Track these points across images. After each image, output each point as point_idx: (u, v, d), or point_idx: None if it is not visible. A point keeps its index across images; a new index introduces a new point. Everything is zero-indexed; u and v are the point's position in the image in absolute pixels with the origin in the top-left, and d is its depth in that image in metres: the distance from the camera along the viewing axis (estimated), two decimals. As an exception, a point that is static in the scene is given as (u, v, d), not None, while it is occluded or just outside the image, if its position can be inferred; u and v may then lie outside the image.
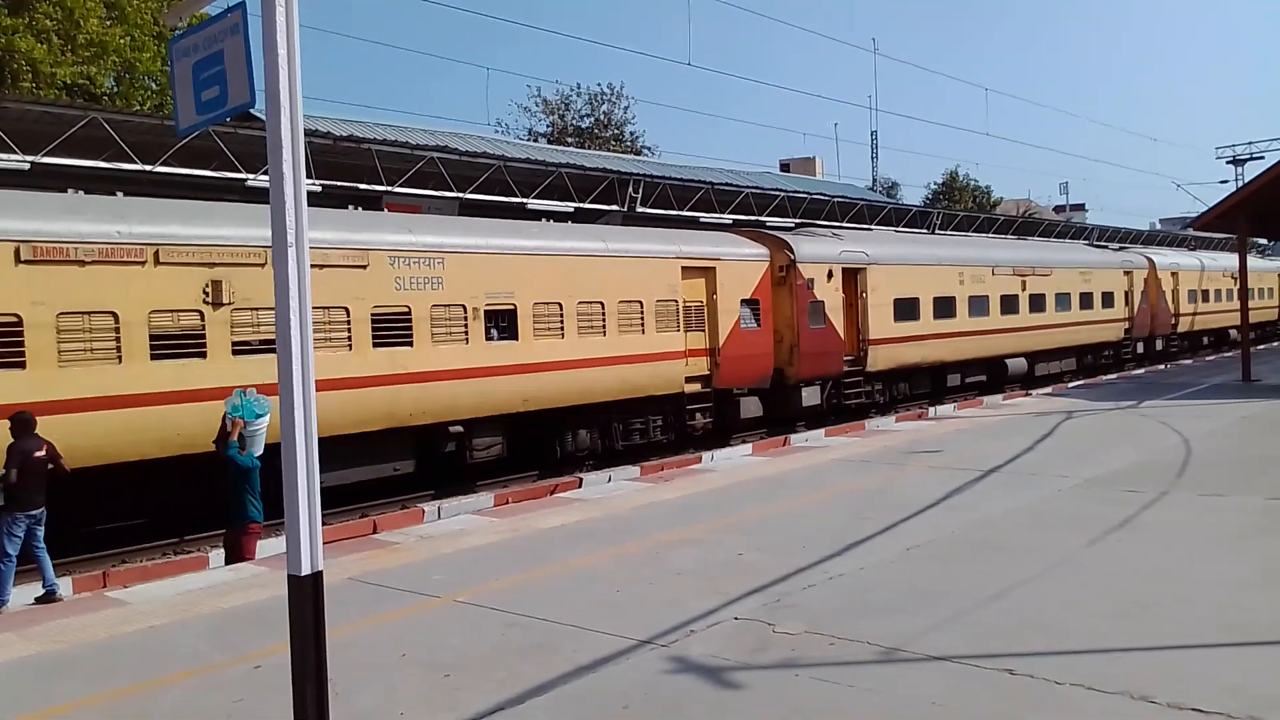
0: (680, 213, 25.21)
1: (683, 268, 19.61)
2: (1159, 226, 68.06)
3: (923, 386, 26.40)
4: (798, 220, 28.77)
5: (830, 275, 22.72)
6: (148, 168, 15.50)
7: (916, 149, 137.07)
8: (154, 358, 12.40)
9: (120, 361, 12.11)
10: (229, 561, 10.48)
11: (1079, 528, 9.61)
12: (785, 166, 52.54)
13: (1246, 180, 29.58)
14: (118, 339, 12.13)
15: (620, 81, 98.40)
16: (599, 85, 63.36)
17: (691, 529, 10.52)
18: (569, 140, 50.44)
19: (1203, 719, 5.18)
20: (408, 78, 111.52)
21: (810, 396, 22.22)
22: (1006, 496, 11.43)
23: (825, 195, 31.75)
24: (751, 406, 20.95)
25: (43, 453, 9.93)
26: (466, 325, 15.71)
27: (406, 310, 14.91)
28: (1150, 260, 37.73)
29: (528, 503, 13.04)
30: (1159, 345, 38.70)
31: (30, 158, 14.31)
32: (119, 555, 12.39)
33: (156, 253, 12.47)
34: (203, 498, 12.24)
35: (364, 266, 14.41)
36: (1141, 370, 32.44)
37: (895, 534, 9.78)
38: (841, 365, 23.17)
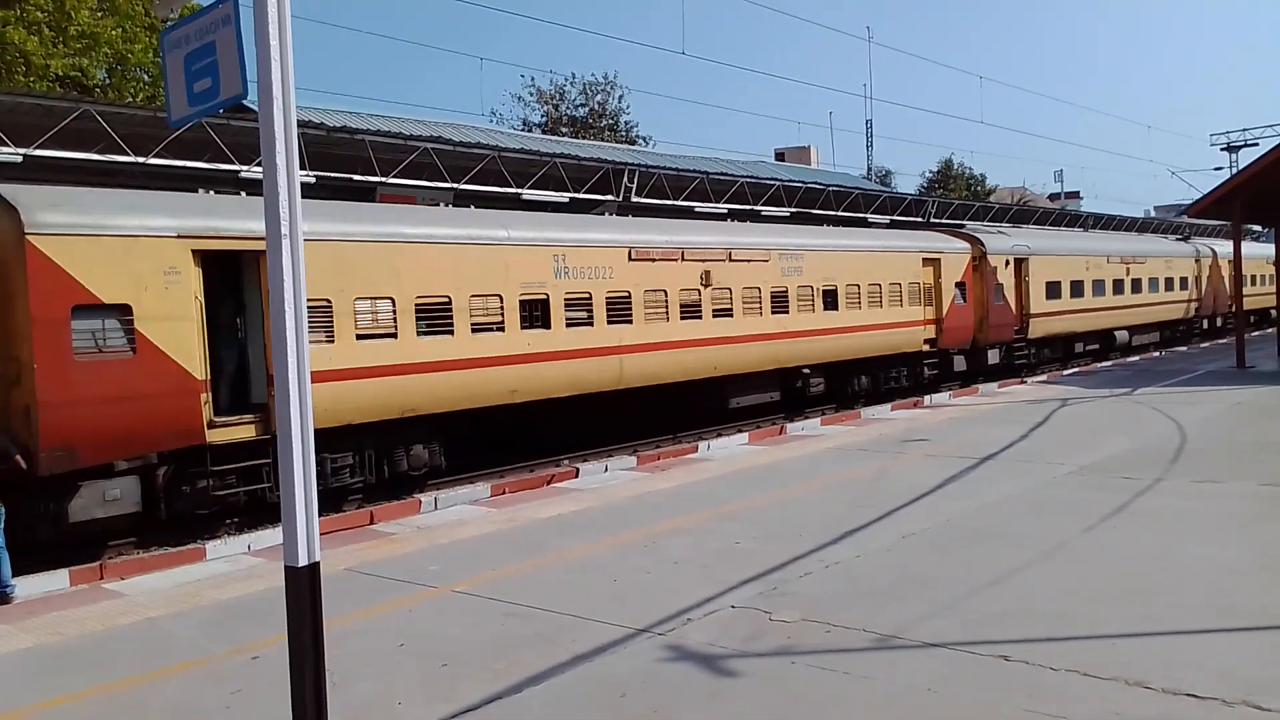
0: (675, 203, 25.16)
1: (922, 259, 26.04)
2: (1154, 214, 68.10)
3: (1058, 352, 32.18)
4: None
5: (1006, 263, 29.00)
6: (140, 160, 15.44)
7: (911, 137, 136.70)
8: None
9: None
10: None
11: (1074, 515, 9.65)
12: (780, 156, 52.43)
13: (1241, 167, 29.67)
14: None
15: (614, 71, 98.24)
16: (593, 75, 63.27)
17: (688, 518, 10.55)
18: (564, 130, 50.33)
19: (1197, 704, 5.21)
20: (401, 68, 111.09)
21: (993, 356, 28.50)
22: (1002, 484, 11.46)
23: (820, 184, 31.70)
24: (960, 362, 27.54)
25: None
26: (813, 300, 22.40)
27: (785, 290, 21.67)
28: (1213, 250, 43.94)
29: (525, 493, 13.06)
30: (1219, 322, 44.84)
31: (22, 150, 14.24)
32: (115, 548, 12.39)
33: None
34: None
35: (766, 261, 21.29)
36: (1136, 357, 32.93)
37: (891, 522, 9.81)
38: (1012, 334, 29.40)
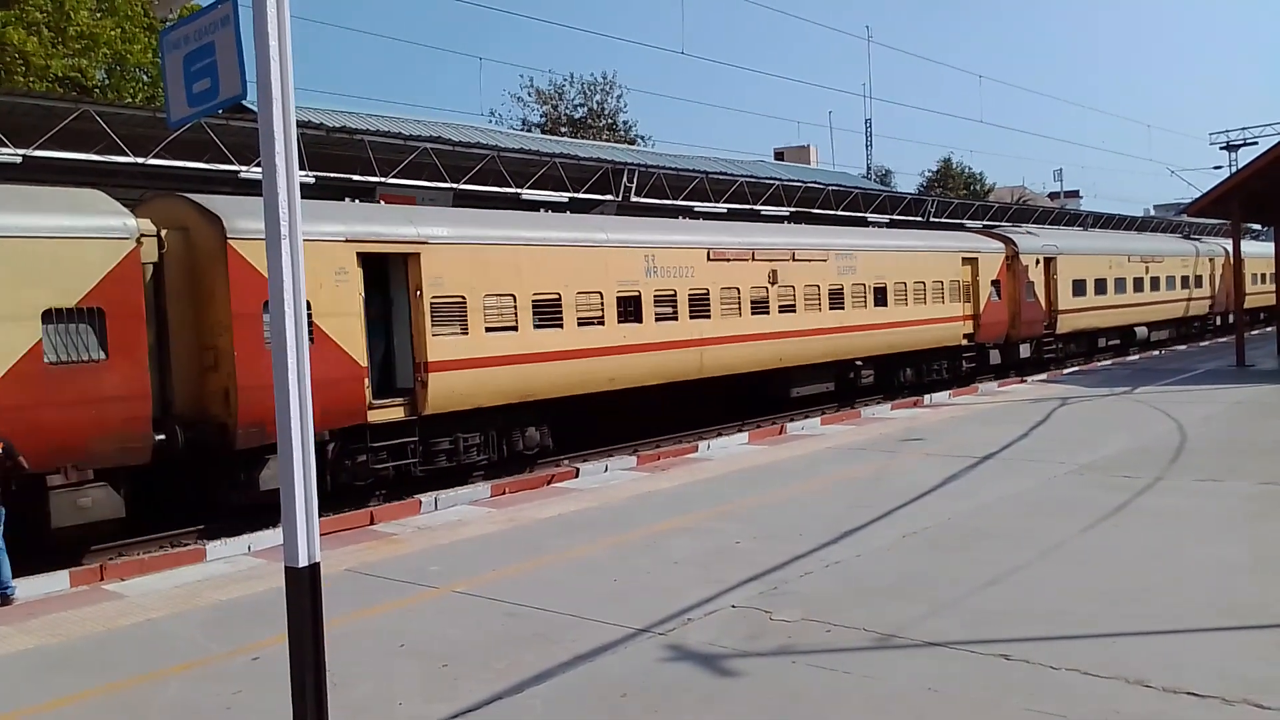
0: (675, 202, 25.16)
1: (962, 258, 27.68)
2: (1153, 212, 68.05)
3: (1082, 347, 33.68)
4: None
5: (1037, 262, 30.42)
6: (140, 160, 15.43)
7: (911, 137, 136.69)
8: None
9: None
10: None
11: (1074, 514, 9.65)
12: (780, 155, 52.37)
13: (1240, 166, 29.69)
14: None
15: (613, 71, 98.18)
16: (592, 75, 63.26)
17: (688, 518, 10.54)
18: (563, 130, 50.32)
19: (1197, 703, 5.21)
20: (400, 68, 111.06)
21: (1024, 350, 30.00)
22: (1002, 483, 11.46)
23: (819, 184, 31.70)
24: (995, 356, 29.10)
25: None
26: (865, 297, 23.95)
27: (840, 287, 23.26)
28: (1225, 249, 44.88)
29: (525, 493, 13.06)
30: (1231, 319, 45.84)
31: (22, 150, 14.23)
32: (115, 549, 12.39)
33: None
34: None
35: (824, 260, 22.91)
36: (1136, 356, 32.97)
37: (891, 521, 9.81)
38: (1042, 329, 30.78)
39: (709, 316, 19.73)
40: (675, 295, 19.06)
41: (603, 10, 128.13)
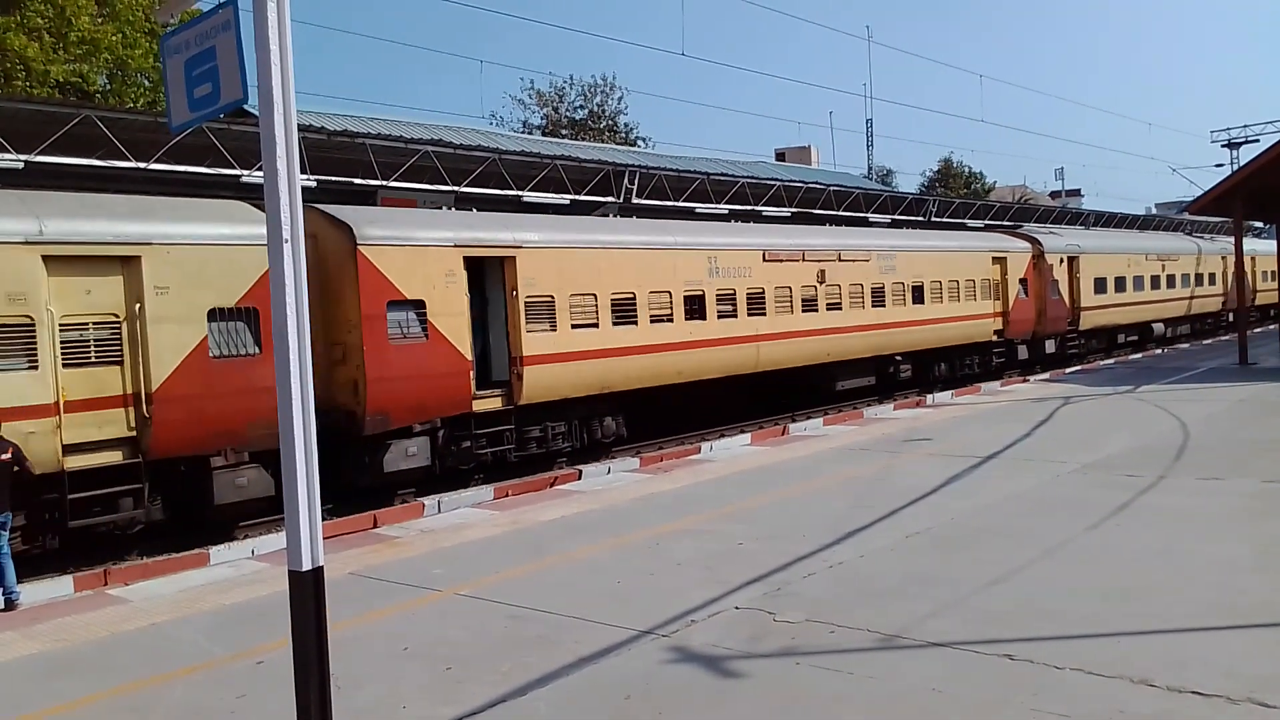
0: (676, 204, 25.16)
1: (991, 258, 28.96)
2: (1155, 211, 67.96)
3: (1103, 343, 35.11)
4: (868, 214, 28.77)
5: (1061, 261, 31.60)
6: (142, 165, 15.45)
7: (911, 137, 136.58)
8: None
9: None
10: None
11: (1077, 513, 9.64)
12: (780, 156, 52.34)
13: (1242, 164, 29.68)
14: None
15: (613, 73, 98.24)
16: (592, 77, 63.27)
17: (691, 519, 10.54)
18: (564, 132, 50.32)
19: (1201, 702, 5.21)
20: (401, 72, 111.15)
21: (1050, 346, 31.49)
22: (1005, 482, 11.46)
23: (821, 184, 31.68)
24: (1023, 351, 30.34)
25: (7, 455, 9.34)
26: (904, 295, 25.19)
27: (882, 286, 24.52)
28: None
29: (527, 495, 13.07)
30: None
31: (24, 156, 14.25)
32: (119, 553, 12.40)
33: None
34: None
35: (867, 261, 24.17)
36: (1139, 355, 32.99)
37: (894, 521, 9.81)
38: (1066, 325, 32.09)
39: (764, 314, 21.00)
40: (734, 294, 20.35)
41: (603, 12, 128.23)
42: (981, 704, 5.38)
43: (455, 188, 20.06)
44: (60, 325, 11.32)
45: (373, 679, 6.23)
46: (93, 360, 11.59)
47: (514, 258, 16.26)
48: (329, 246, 14.39)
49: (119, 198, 13.14)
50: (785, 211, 28.14)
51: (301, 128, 15.26)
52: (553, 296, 16.67)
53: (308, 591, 4.51)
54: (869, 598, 7.36)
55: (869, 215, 31.28)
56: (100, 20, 30.35)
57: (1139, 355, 32.80)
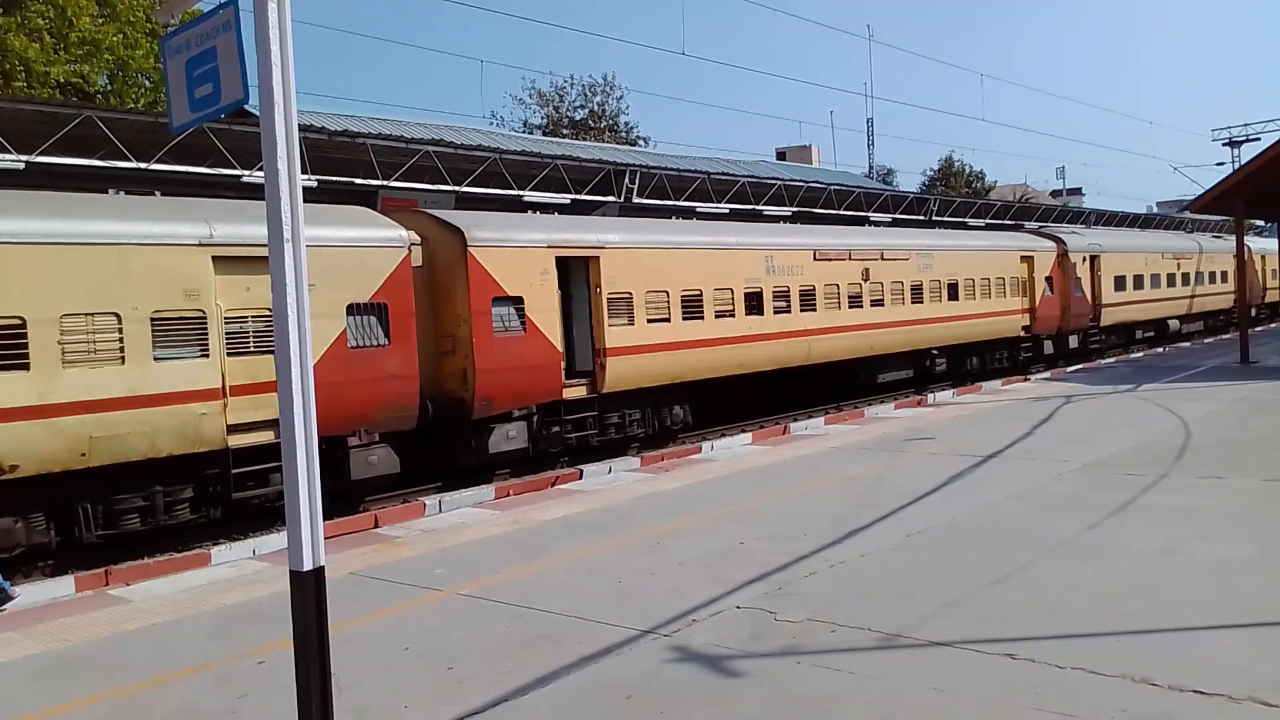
0: (677, 203, 25.16)
1: (1020, 257, 30.42)
2: (1156, 209, 67.90)
3: (1122, 339, 36.55)
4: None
5: (1084, 260, 33.20)
6: (143, 165, 15.47)
7: (912, 136, 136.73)
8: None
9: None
10: None
11: (1078, 512, 9.63)
12: (781, 155, 52.35)
13: (1243, 162, 29.65)
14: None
15: (613, 72, 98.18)
16: (591, 77, 63.24)
17: (692, 519, 10.54)
18: (564, 132, 50.35)
19: (1204, 701, 5.20)
20: (402, 71, 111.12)
21: (1073, 341, 32.91)
22: (1006, 482, 11.45)
23: (821, 184, 31.69)
24: (1048, 346, 31.90)
25: None
26: (940, 292, 26.59)
27: (920, 284, 25.98)
28: (1249, 247, 49.20)
29: (528, 494, 13.06)
30: (1254, 312, 47.49)
31: (25, 157, 14.27)
32: (120, 553, 12.40)
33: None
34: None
35: (907, 260, 25.56)
36: (1140, 354, 33.00)
37: (896, 520, 9.80)
38: (1088, 321, 33.60)
39: (815, 310, 22.46)
40: (789, 291, 21.78)
41: (603, 11, 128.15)
42: (983, 703, 5.38)
43: (456, 188, 20.09)
44: (225, 318, 12.70)
45: (374, 679, 6.23)
46: (250, 349, 12.90)
47: (598, 257, 17.63)
48: (440, 248, 15.72)
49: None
50: (786, 211, 28.15)
51: (302, 128, 15.29)
52: (631, 293, 18.00)
53: (309, 591, 4.51)
54: (870, 597, 7.35)
55: (870, 214, 31.28)
56: (101, 21, 30.37)
57: (1139, 354, 32.83)
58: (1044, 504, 10.25)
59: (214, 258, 12.57)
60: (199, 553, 10.89)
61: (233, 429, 12.68)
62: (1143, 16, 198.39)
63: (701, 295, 19.54)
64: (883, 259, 24.72)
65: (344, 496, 14.03)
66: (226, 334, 12.66)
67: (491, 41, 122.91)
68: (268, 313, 12.14)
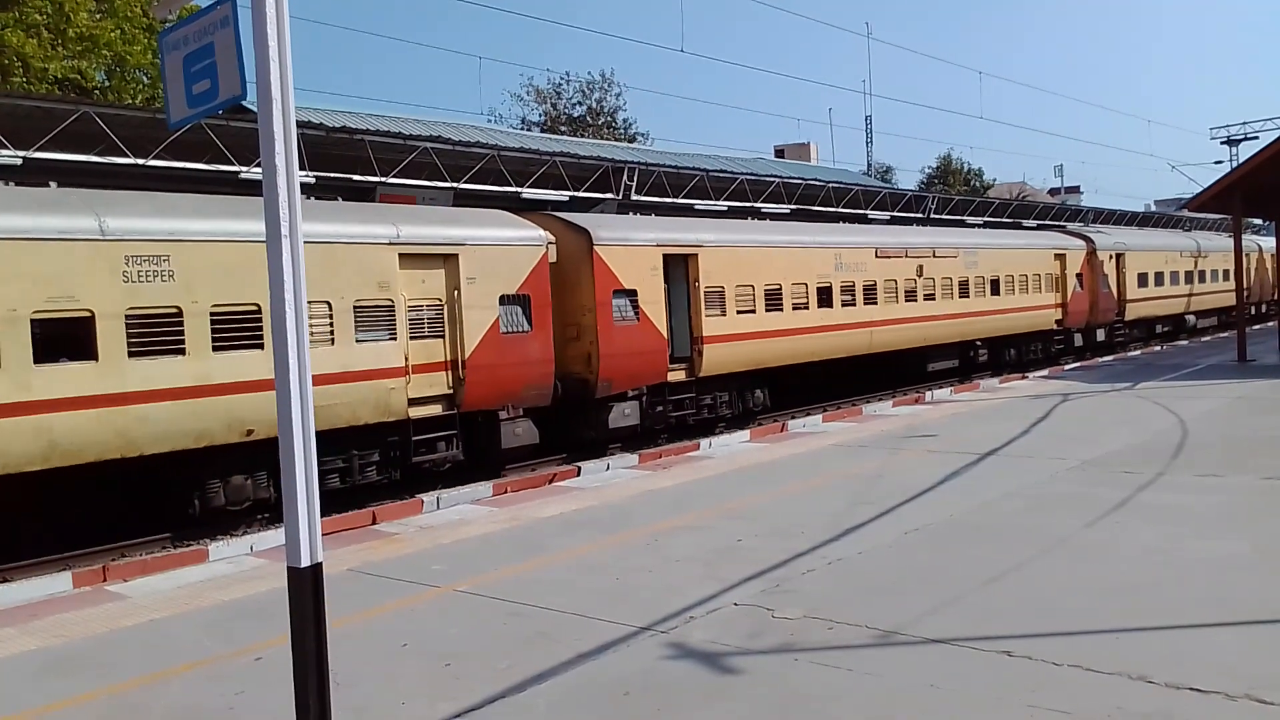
0: (675, 200, 25.13)
1: (1054, 254, 32.57)
2: (1154, 207, 67.92)
3: (1144, 332, 38.35)
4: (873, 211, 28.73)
5: (1110, 257, 35.09)
6: (140, 161, 15.42)
7: (911, 133, 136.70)
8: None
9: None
10: None
11: (1075, 510, 9.65)
12: (780, 153, 52.30)
13: (1241, 160, 29.71)
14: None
15: (611, 69, 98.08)
16: (589, 74, 63.21)
17: (690, 516, 10.55)
18: (563, 129, 50.31)
19: (1200, 698, 5.21)
20: (400, 68, 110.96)
21: (1100, 335, 34.89)
22: (1004, 479, 11.46)
23: (820, 181, 31.65)
24: (1078, 339, 33.83)
25: None
26: (984, 288, 28.73)
27: (967, 279, 28.03)
28: (1259, 246, 50.41)
29: (526, 491, 13.07)
30: (1263, 308, 51.11)
31: (22, 153, 14.23)
32: (118, 549, 12.41)
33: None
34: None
35: (955, 257, 27.80)
36: (1138, 352, 33.06)
37: (893, 518, 9.81)
38: (1114, 316, 35.59)
39: (876, 304, 24.52)
40: (854, 286, 23.84)
41: (602, 9, 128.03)
42: (980, 700, 5.39)
43: (454, 184, 20.04)
44: (407, 306, 14.81)
45: (371, 675, 6.23)
46: (426, 334, 15.09)
47: (696, 255, 19.76)
48: (567, 247, 17.58)
49: (438, 209, 17.46)
50: (784, 208, 28.12)
51: (300, 124, 15.24)
52: (723, 287, 20.06)
53: (306, 588, 4.52)
54: (867, 594, 7.36)
55: (868, 212, 31.25)
56: (99, 16, 30.32)
57: (1138, 352, 32.94)
58: (1041, 502, 10.26)
59: (400, 255, 14.69)
60: (196, 549, 10.90)
61: (413, 402, 14.74)
62: (1142, 15, 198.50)
63: (781, 289, 21.53)
64: (934, 256, 26.78)
65: (493, 463, 16.15)
66: (409, 320, 14.76)
67: (490, 39, 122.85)
68: (438, 302, 15.47)
